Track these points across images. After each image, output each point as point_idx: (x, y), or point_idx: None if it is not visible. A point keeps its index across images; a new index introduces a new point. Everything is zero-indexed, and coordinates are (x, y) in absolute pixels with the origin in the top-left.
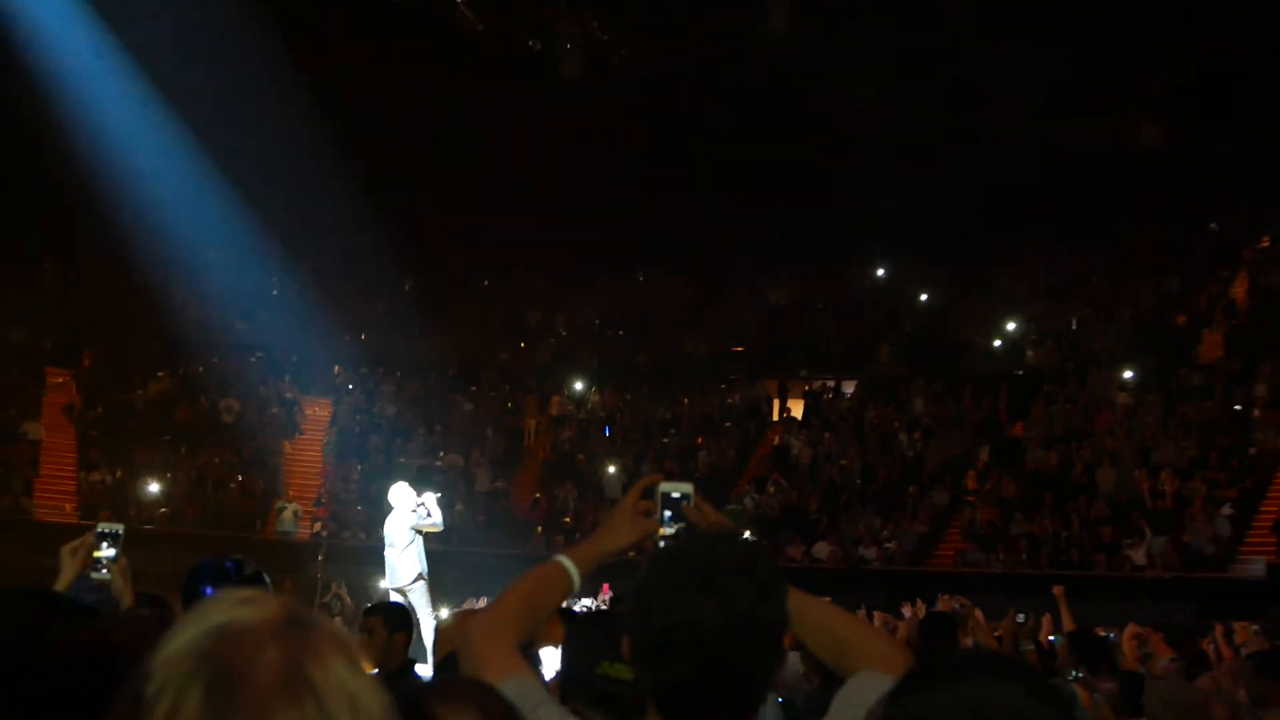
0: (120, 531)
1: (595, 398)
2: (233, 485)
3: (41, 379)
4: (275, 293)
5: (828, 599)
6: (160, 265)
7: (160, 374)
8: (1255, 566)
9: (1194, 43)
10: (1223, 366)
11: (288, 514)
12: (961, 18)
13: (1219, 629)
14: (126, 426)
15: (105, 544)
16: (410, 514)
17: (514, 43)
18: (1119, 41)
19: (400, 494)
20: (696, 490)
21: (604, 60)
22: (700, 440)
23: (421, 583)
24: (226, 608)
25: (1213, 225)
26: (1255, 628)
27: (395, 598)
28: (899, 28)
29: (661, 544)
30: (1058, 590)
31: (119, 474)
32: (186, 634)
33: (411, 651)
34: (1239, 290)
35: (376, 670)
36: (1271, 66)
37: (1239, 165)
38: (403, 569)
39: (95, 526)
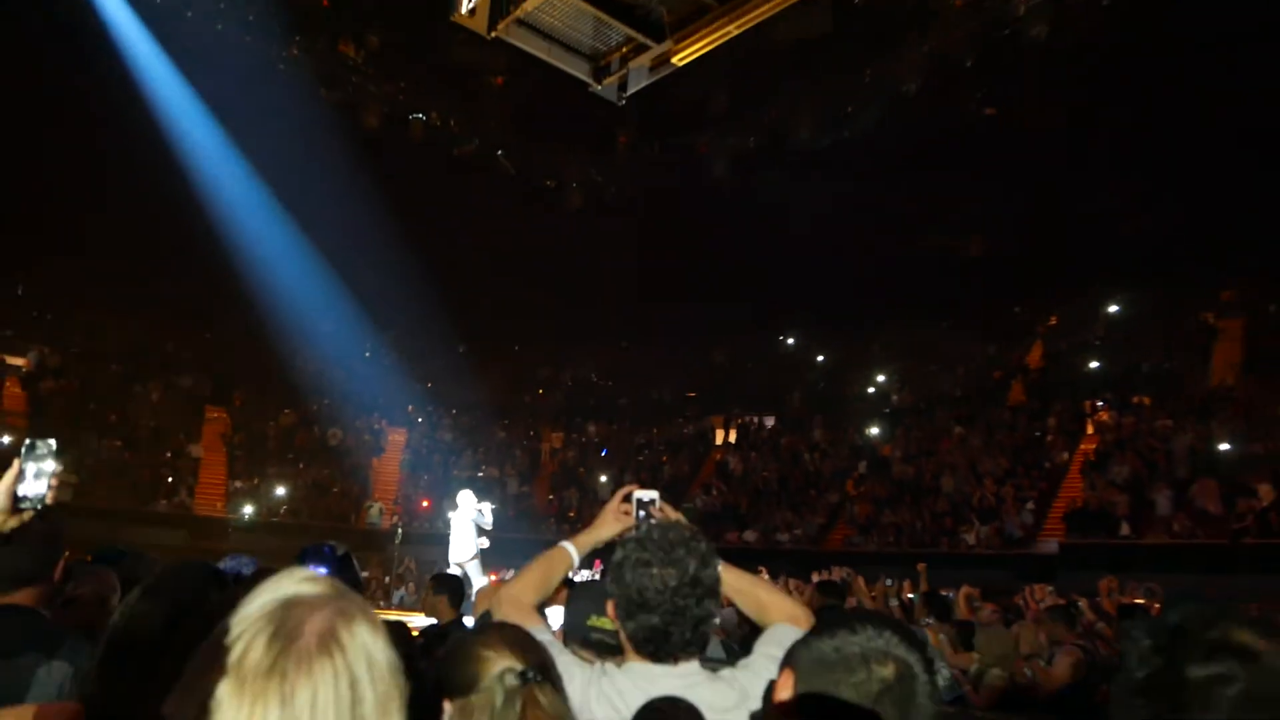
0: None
1: (591, 428)
2: (336, 490)
3: (202, 414)
4: (367, 354)
5: (762, 572)
6: (288, 333)
7: (287, 410)
8: (1050, 545)
9: (1003, 181)
10: (1024, 407)
11: (374, 510)
12: (843, 166)
13: (1026, 590)
14: (263, 448)
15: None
16: (474, 510)
17: (537, 181)
18: (955, 180)
19: (466, 498)
20: (661, 494)
21: (599, 194)
22: (665, 459)
23: (475, 560)
24: (294, 583)
25: (1017, 309)
26: (1050, 589)
27: (454, 570)
28: (799, 175)
29: (635, 532)
30: (920, 566)
31: (256, 482)
32: (263, 598)
33: (465, 609)
34: (1035, 354)
35: (435, 621)
36: (1055, 200)
37: (1033, 267)
38: (462, 549)
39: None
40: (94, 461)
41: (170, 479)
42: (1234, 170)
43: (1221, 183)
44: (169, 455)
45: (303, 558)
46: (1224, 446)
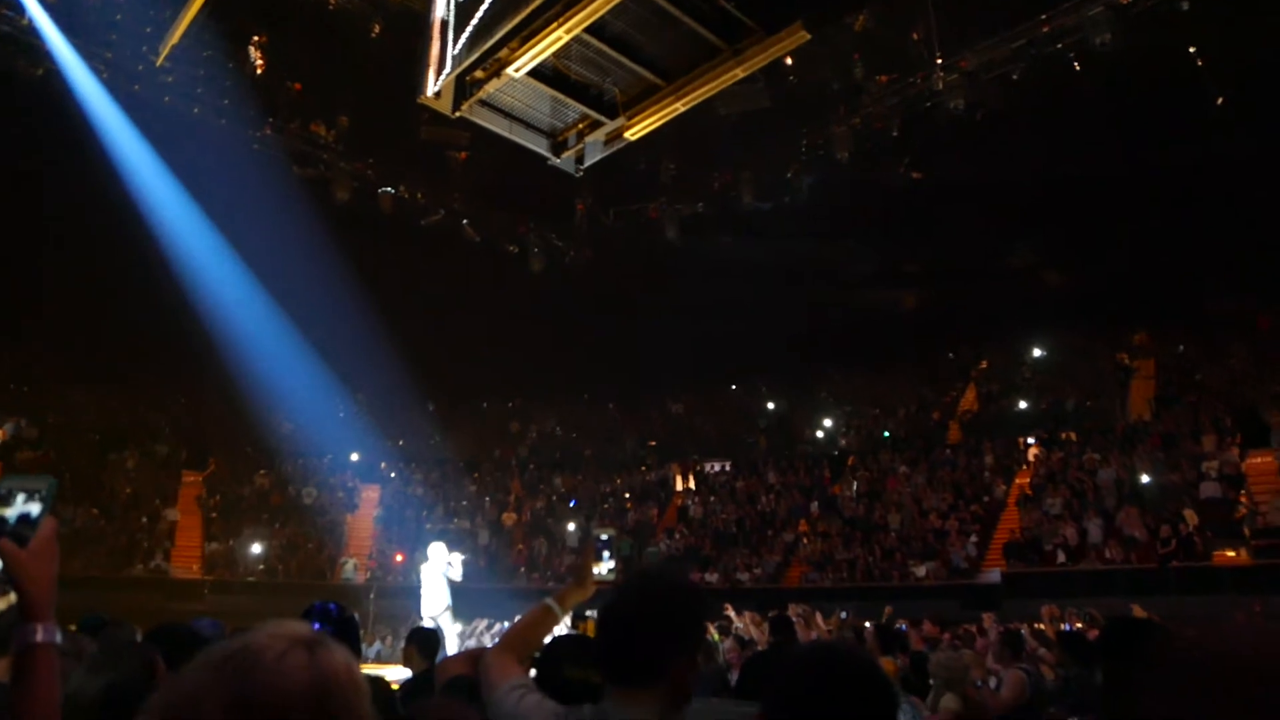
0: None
1: (557, 479)
2: (310, 546)
3: (179, 479)
4: (340, 414)
5: (727, 608)
6: (262, 398)
7: (261, 472)
8: (994, 575)
9: (930, 239)
10: (962, 446)
11: (349, 566)
12: (784, 228)
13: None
14: (238, 510)
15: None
16: (444, 564)
17: (500, 248)
18: (887, 238)
19: (437, 550)
20: (618, 535)
21: (560, 258)
22: (629, 505)
23: (448, 612)
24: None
25: (950, 354)
26: (994, 616)
27: (428, 623)
28: (743, 236)
29: (606, 573)
30: (888, 609)
31: (230, 543)
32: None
33: (439, 659)
34: (969, 396)
35: (412, 672)
36: (977, 255)
37: (964, 316)
38: (434, 602)
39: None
40: (69, 531)
41: (146, 544)
42: (1136, 226)
43: (1127, 238)
44: (144, 521)
45: (304, 617)
46: (1145, 478)
